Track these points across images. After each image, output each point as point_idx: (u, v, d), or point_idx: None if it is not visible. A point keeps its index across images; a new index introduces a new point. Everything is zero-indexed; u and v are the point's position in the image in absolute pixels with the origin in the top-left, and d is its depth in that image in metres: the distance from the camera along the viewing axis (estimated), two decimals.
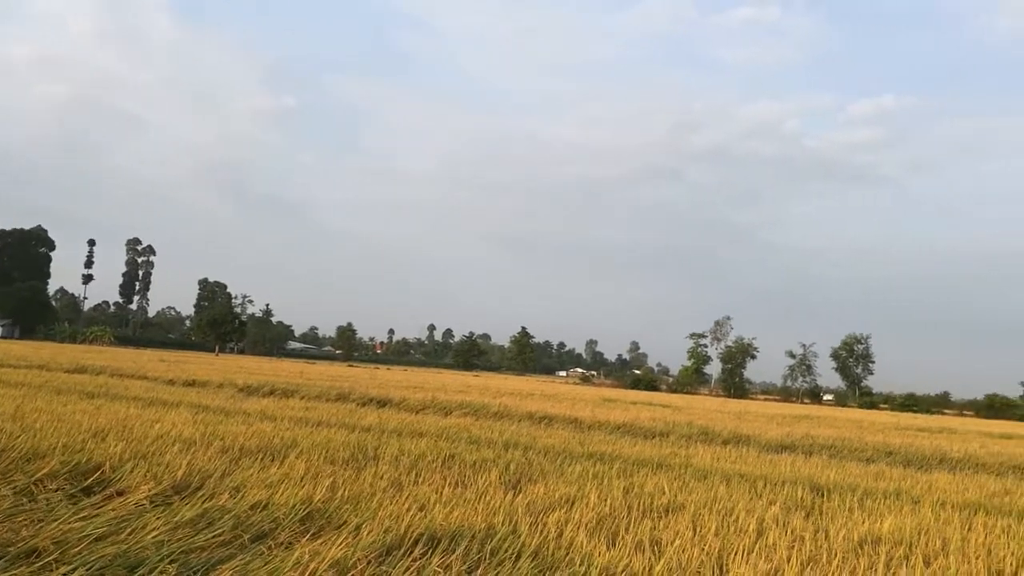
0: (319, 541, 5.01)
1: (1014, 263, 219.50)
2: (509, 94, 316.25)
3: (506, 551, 5.27)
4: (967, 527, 7.91)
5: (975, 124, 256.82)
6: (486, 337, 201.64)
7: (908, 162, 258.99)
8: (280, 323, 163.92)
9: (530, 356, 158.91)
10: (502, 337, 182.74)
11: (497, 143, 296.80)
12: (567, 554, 5.37)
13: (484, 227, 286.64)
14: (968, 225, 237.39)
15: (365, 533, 5.21)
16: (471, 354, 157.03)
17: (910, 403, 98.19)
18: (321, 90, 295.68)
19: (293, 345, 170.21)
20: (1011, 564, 6.38)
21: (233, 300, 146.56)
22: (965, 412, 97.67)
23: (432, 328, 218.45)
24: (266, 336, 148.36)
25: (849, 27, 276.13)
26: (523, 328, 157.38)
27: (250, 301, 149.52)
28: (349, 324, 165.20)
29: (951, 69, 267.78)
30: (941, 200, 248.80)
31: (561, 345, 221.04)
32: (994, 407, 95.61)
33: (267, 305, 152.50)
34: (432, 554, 5.02)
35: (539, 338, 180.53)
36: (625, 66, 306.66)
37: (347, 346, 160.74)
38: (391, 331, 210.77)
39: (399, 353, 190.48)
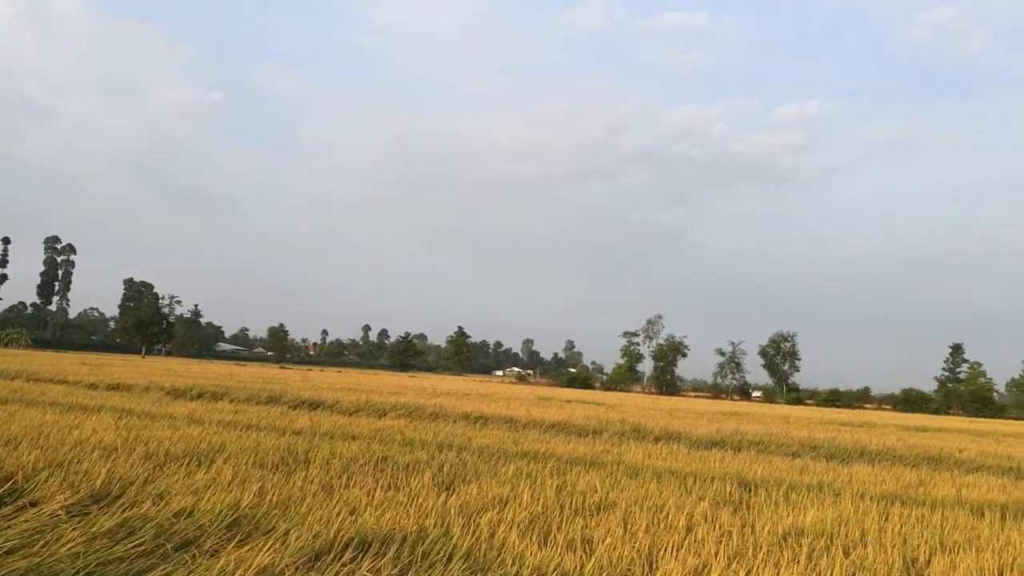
0: (246, 548, 4.89)
1: (929, 264, 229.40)
2: (446, 90, 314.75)
3: (438, 553, 5.25)
4: (884, 517, 8.23)
5: (892, 130, 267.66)
6: (422, 337, 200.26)
7: (828, 165, 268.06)
8: (209, 324, 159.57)
9: (467, 356, 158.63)
10: (439, 337, 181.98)
11: (434, 140, 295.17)
12: (499, 555, 5.38)
13: (421, 225, 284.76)
14: (885, 227, 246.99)
15: (294, 539, 5.12)
16: (407, 354, 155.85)
17: (834, 399, 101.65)
18: (252, 84, 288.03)
19: (223, 347, 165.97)
20: (924, 552, 6.67)
21: (160, 301, 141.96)
22: (884, 406, 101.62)
23: (367, 329, 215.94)
24: (195, 337, 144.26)
25: (775, 33, 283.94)
26: (460, 328, 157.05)
27: (178, 301, 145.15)
28: (281, 325, 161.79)
29: (871, 77, 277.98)
30: (859, 202, 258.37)
31: (498, 344, 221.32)
32: (910, 401, 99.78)
33: (196, 306, 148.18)
34: (362, 558, 4.96)
35: (476, 338, 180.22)
36: (558, 66, 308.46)
37: (279, 347, 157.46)
38: (324, 332, 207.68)
39: (333, 354, 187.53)
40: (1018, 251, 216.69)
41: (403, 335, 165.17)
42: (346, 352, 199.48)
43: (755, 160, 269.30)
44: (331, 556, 4.94)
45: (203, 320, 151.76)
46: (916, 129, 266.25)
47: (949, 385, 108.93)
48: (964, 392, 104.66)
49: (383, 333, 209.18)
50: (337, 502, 6.63)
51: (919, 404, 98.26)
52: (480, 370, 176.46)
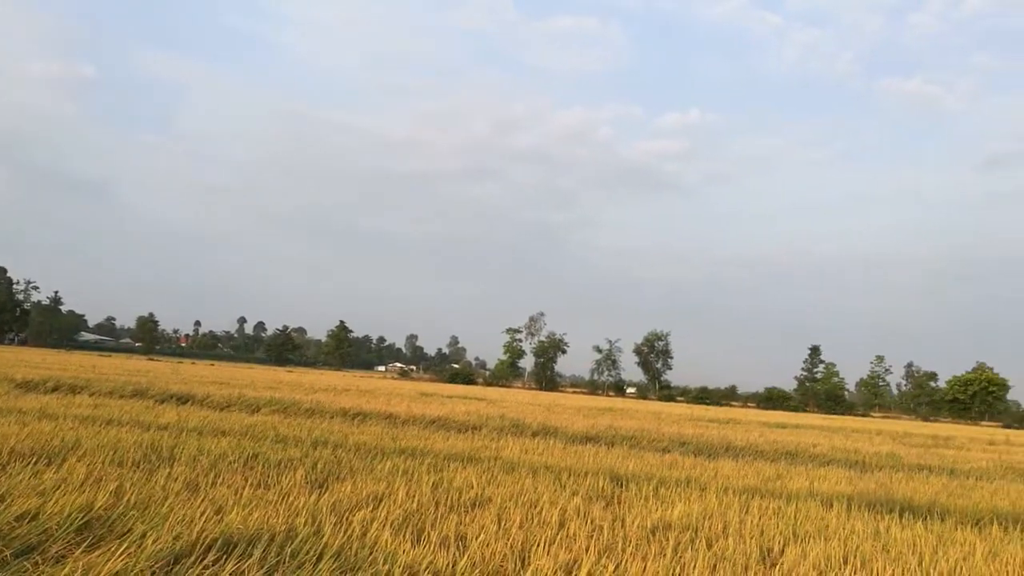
0: (97, 552, 4.60)
1: (793, 268, 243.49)
2: (334, 83, 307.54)
3: (307, 553, 5.11)
4: (745, 510, 8.66)
5: (765, 143, 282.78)
6: (301, 331, 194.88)
7: (706, 173, 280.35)
8: (71, 312, 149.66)
9: (348, 351, 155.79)
10: (319, 331, 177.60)
11: (319, 132, 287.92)
12: (371, 553, 5.30)
13: (304, 218, 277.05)
14: (756, 234, 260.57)
15: (151, 541, 4.85)
16: (285, 348, 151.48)
17: (703, 396, 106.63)
18: (132, 64, 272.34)
19: (86, 337, 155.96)
20: (779, 542, 7.06)
21: (14, 285, 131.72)
22: (749, 404, 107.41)
23: (243, 321, 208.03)
24: (54, 326, 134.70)
25: (660, 42, 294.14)
26: (341, 322, 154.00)
27: (35, 287, 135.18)
28: (151, 315, 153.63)
29: (747, 91, 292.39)
30: (734, 210, 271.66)
31: (381, 340, 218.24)
32: (772, 399, 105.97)
33: (56, 292, 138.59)
34: (226, 560, 4.76)
35: (358, 332, 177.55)
36: (449, 64, 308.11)
37: (148, 338, 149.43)
38: (197, 323, 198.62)
39: (206, 347, 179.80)
40: (871, 260, 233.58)
41: (281, 328, 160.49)
42: (220, 345, 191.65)
43: (639, 165, 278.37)
44: (192, 559, 4.72)
45: (64, 308, 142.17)
46: (786, 143, 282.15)
47: (807, 384, 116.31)
48: (820, 391, 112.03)
49: (260, 326, 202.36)
50: (202, 501, 6.34)
51: (780, 402, 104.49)
52: (362, 365, 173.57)
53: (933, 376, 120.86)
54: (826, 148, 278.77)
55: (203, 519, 5.56)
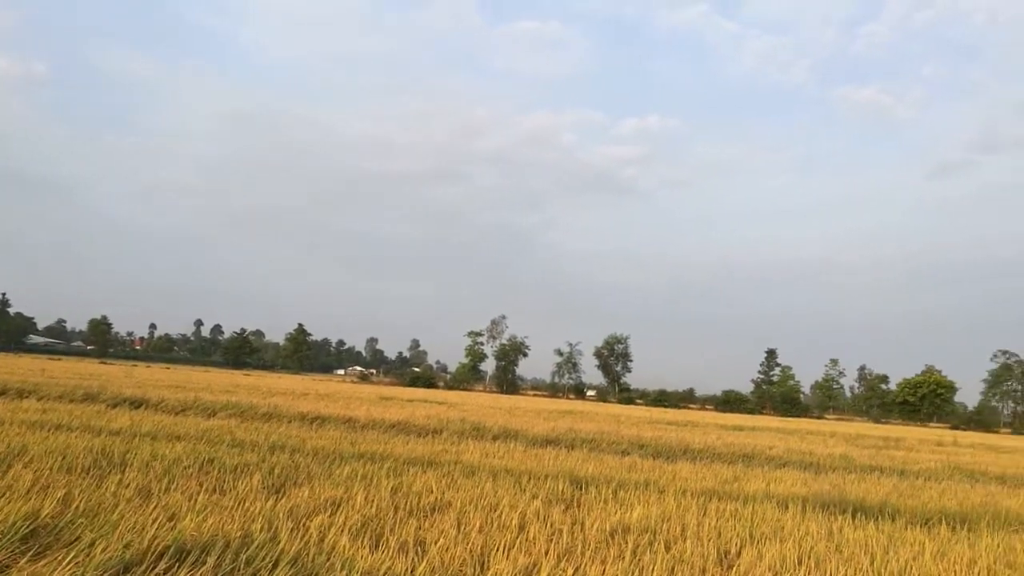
0: (43, 562, 4.47)
1: (751, 273, 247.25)
2: (298, 82, 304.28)
3: (263, 560, 5.02)
4: (703, 512, 8.75)
5: (722, 149, 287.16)
6: (259, 334, 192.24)
7: (665, 179, 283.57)
8: (19, 314, 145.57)
9: (307, 354, 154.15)
10: (277, 334, 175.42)
11: (281, 130, 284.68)
12: (328, 559, 5.23)
13: (263, 218, 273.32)
14: (714, 239, 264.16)
15: (100, 550, 4.72)
16: (242, 352, 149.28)
17: (662, 399, 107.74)
18: (88, 61, 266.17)
19: (35, 339, 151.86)
20: (736, 544, 7.15)
21: None
22: (706, 406, 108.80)
23: (199, 323, 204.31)
24: (0, 329, 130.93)
25: (622, 49, 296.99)
26: (300, 325, 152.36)
27: None
28: (104, 317, 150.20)
29: (705, 98, 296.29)
30: (692, 215, 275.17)
31: (340, 343, 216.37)
32: (729, 402, 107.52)
33: (3, 294, 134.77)
34: (179, 568, 4.67)
35: (317, 335, 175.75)
36: (414, 66, 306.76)
37: (101, 341, 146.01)
38: (153, 326, 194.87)
39: (162, 350, 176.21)
40: (827, 264, 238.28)
41: (239, 331, 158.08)
42: (176, 348, 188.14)
43: (601, 170, 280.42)
44: (143, 567, 4.61)
45: (11, 310, 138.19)
46: (744, 150, 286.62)
47: (763, 387, 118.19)
48: (776, 393, 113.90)
49: (217, 329, 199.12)
50: (155, 508, 6.20)
51: (737, 404, 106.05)
52: (321, 369, 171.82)
53: (885, 379, 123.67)
54: (783, 154, 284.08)
55: (155, 526, 5.44)
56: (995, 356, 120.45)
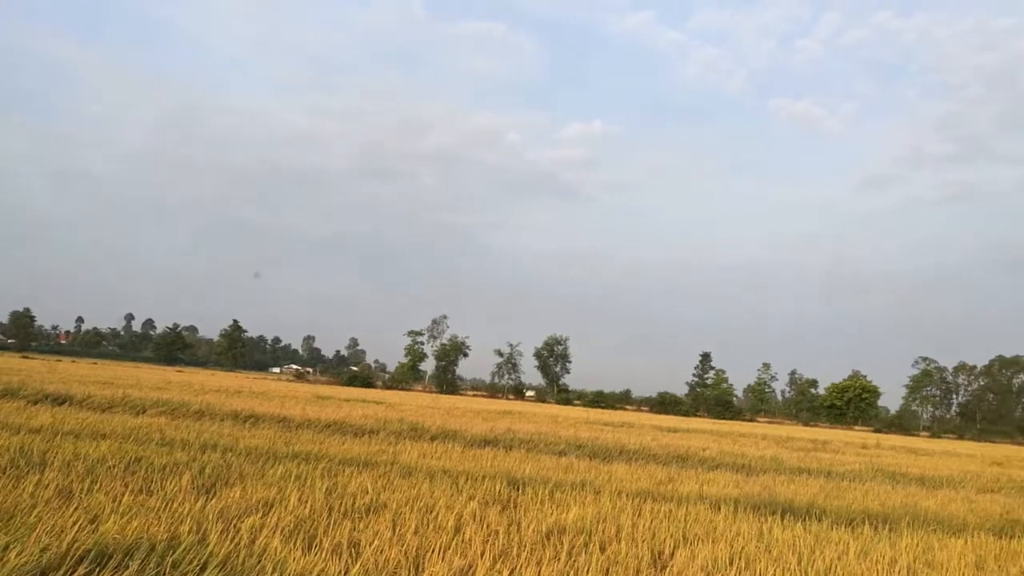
0: None
1: (689, 277, 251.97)
2: (231, 73, 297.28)
3: (190, 563, 4.88)
4: (638, 513, 8.84)
5: (664, 155, 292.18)
6: (193, 330, 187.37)
7: (608, 183, 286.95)
8: None
9: (242, 351, 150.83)
10: (211, 330, 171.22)
11: (214, 122, 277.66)
12: (259, 562, 5.11)
13: (197, 211, 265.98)
14: (655, 243, 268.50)
15: (15, 554, 4.51)
16: (175, 348, 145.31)
17: (599, 400, 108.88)
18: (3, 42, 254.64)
19: None
20: (670, 545, 7.25)
21: None
22: (642, 408, 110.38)
23: (130, 318, 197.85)
24: None
25: (568, 53, 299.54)
26: (235, 321, 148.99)
27: None
28: (26, 310, 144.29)
29: (648, 104, 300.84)
30: (634, 219, 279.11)
31: (276, 340, 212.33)
32: (665, 403, 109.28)
33: None
34: (99, 572, 4.49)
35: (253, 332, 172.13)
36: (358, 62, 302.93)
37: (23, 335, 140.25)
38: (80, 320, 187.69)
39: (89, 344, 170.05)
40: (762, 270, 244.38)
41: (171, 326, 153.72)
42: (105, 343, 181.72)
43: (545, 172, 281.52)
44: (60, 572, 4.43)
45: None
46: (685, 157, 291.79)
47: (698, 390, 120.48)
48: (710, 396, 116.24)
49: (148, 323, 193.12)
50: (76, 510, 5.96)
51: (672, 406, 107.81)
52: (256, 367, 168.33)
53: (814, 383, 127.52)
54: (723, 161, 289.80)
55: (75, 529, 5.23)
56: (916, 362, 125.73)
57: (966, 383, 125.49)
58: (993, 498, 15.49)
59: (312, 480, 8.85)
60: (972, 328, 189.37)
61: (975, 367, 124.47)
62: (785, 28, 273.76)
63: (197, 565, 4.86)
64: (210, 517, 6.21)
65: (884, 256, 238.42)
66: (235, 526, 6.04)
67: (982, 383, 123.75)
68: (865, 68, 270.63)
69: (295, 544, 5.71)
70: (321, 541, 5.91)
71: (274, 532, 5.96)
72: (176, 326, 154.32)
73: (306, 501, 7.43)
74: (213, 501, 6.97)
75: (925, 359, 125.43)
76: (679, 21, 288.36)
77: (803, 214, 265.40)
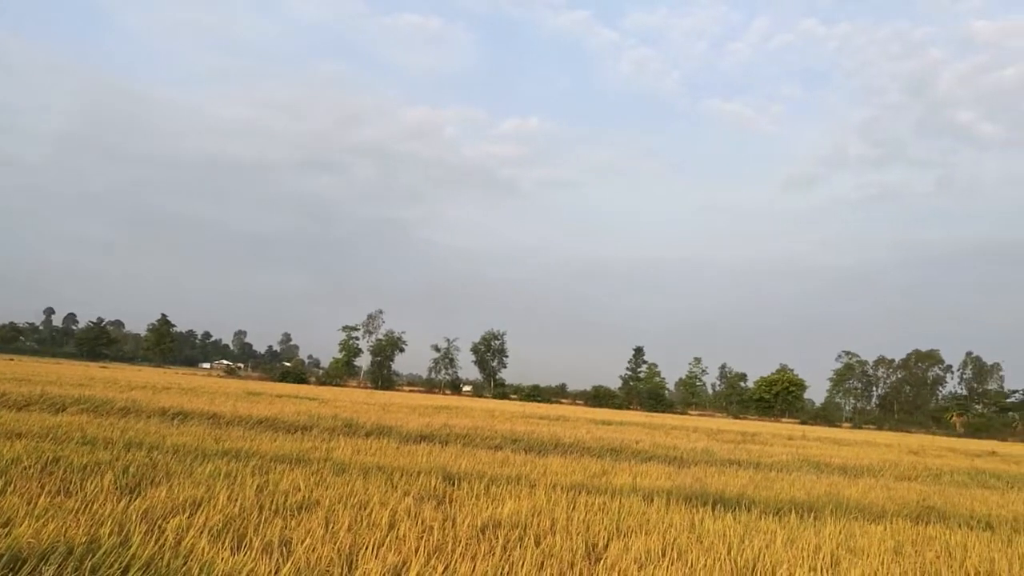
0: None
1: (624, 272, 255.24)
2: (163, 60, 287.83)
3: (111, 566, 4.69)
4: (572, 506, 8.91)
5: (600, 152, 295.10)
6: (119, 324, 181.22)
7: (544, 179, 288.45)
8: None
9: (170, 346, 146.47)
10: (138, 325, 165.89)
11: (143, 110, 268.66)
12: (185, 563, 4.96)
13: (123, 203, 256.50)
14: (591, 239, 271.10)
15: None
16: (99, 343, 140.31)
17: (535, 394, 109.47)
18: None
19: None
20: (604, 537, 7.32)
21: None
22: (577, 401, 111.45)
23: (50, 312, 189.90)
24: None
25: (505, 49, 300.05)
26: (163, 315, 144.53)
27: None
28: None
29: (584, 102, 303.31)
30: (568, 214, 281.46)
31: (207, 335, 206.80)
32: (599, 397, 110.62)
33: None
34: None
35: (182, 327, 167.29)
36: (291, 53, 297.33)
37: None
38: None
39: (5, 340, 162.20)
40: (693, 266, 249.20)
41: (95, 321, 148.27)
42: (22, 338, 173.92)
43: (482, 167, 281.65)
44: None
45: None
46: (620, 154, 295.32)
47: (631, 383, 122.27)
48: (643, 390, 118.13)
49: (71, 318, 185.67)
50: None
51: (606, 400, 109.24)
52: (185, 362, 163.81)
53: (743, 377, 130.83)
54: (656, 160, 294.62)
55: None
56: (839, 356, 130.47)
57: (885, 376, 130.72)
58: (910, 486, 16.16)
59: (242, 478, 8.64)
60: (891, 323, 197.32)
61: (893, 360, 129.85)
62: (717, 31, 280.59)
63: (118, 568, 4.68)
64: (133, 518, 6.00)
65: (810, 253, 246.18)
66: (160, 527, 5.85)
67: (900, 376, 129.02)
68: (793, 72, 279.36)
69: (224, 544, 5.56)
70: (251, 540, 5.77)
71: (202, 532, 5.78)
72: (100, 320, 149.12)
73: (236, 499, 7.25)
74: (137, 501, 6.73)
75: (848, 353, 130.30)
76: (614, 20, 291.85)
77: (733, 212, 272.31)
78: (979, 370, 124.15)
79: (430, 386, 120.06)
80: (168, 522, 5.99)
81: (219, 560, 5.09)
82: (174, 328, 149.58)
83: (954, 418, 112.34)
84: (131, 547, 5.06)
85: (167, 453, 10.35)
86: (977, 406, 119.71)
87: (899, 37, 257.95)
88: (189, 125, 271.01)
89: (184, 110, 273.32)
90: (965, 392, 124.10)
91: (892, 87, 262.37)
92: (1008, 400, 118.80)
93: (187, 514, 6.40)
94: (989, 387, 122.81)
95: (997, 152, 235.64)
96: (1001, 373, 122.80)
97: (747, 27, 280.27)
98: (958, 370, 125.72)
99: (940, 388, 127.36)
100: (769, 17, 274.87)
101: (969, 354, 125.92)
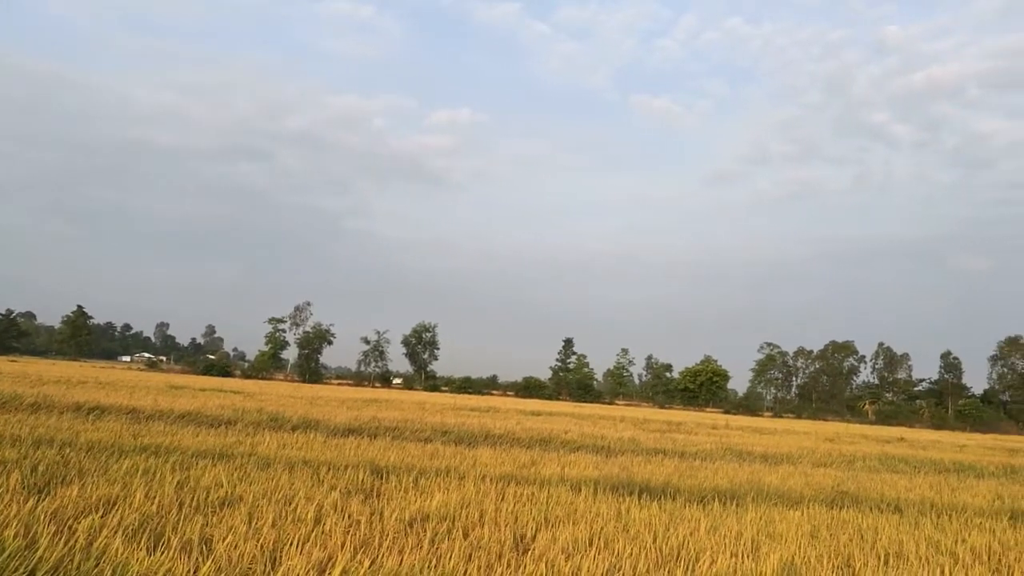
0: None
1: (553, 264, 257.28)
2: (76, 40, 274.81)
3: (16, 570, 4.47)
4: (501, 497, 8.93)
5: (531, 145, 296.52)
6: (30, 316, 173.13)
7: (475, 170, 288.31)
8: None
9: (87, 339, 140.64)
10: (52, 317, 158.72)
11: (54, 92, 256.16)
12: (97, 565, 4.76)
13: (32, 189, 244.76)
14: (522, 231, 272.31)
15: None
16: (8, 335, 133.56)
17: (466, 385, 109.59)
18: None
19: None
20: (532, 528, 7.36)
21: None
22: (508, 393, 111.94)
23: None
24: None
25: (436, 39, 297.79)
26: (79, 307, 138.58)
27: None
28: None
29: (516, 94, 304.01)
30: (500, 207, 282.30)
31: (127, 327, 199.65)
32: (529, 388, 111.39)
33: None
34: None
35: (99, 319, 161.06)
36: (214, 36, 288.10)
37: None
38: None
39: None
40: (621, 259, 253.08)
41: (4, 312, 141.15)
42: None
43: (412, 158, 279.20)
44: None
45: None
46: (550, 148, 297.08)
47: (561, 374, 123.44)
48: (572, 380, 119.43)
49: None
50: None
51: (536, 390, 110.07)
52: (103, 355, 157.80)
53: (669, 367, 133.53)
54: (586, 154, 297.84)
55: None
56: (761, 347, 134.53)
57: (804, 366, 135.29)
58: (826, 472, 16.79)
59: (162, 474, 8.36)
60: (810, 315, 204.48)
61: (812, 352, 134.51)
62: (646, 27, 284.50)
63: (24, 572, 4.47)
64: (41, 519, 5.72)
65: (733, 247, 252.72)
66: (71, 527, 5.60)
67: (818, 366, 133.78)
68: (718, 70, 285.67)
69: (139, 544, 5.36)
70: (169, 539, 5.58)
71: (116, 532, 5.57)
72: (10, 312, 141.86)
73: (154, 497, 7.01)
74: (46, 501, 6.43)
75: (769, 344, 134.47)
76: (545, 14, 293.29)
77: (661, 206, 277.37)
78: (890, 360, 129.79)
79: (359, 379, 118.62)
80: (79, 522, 5.75)
81: (134, 561, 4.90)
82: (91, 320, 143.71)
83: (867, 406, 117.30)
84: (38, 549, 4.83)
85: (80, 450, 9.93)
86: (888, 394, 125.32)
87: (818, 39, 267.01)
88: (105, 109, 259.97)
89: (101, 93, 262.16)
90: (877, 381, 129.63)
91: (812, 87, 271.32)
92: (916, 389, 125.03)
93: (100, 513, 6.14)
94: (899, 376, 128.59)
95: (908, 152, 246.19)
96: (910, 363, 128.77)
97: (675, 24, 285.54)
98: (871, 360, 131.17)
99: (854, 378, 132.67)
100: (696, 15, 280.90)
101: (881, 345, 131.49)
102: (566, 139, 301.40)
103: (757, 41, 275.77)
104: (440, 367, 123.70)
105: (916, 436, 49.57)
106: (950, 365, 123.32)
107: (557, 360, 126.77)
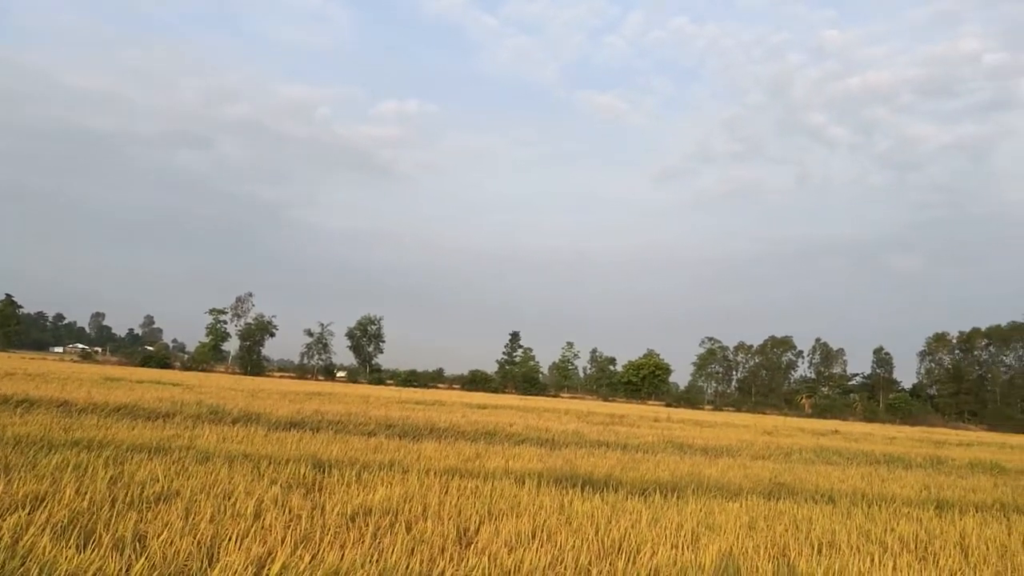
0: None
1: (500, 258, 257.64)
2: (12, 19, 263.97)
3: None
4: (445, 491, 8.91)
5: (479, 138, 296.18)
6: None
7: (422, 162, 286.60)
8: None
9: (16, 329, 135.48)
10: None
11: None
12: (23, 564, 4.60)
13: None
14: (470, 224, 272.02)
15: None
16: None
17: (412, 379, 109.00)
18: None
19: None
20: (475, 521, 7.36)
21: None
22: (454, 386, 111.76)
23: None
24: None
25: (384, 30, 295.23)
26: (8, 296, 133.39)
27: None
28: None
29: (464, 87, 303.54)
30: (447, 199, 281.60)
31: (59, 317, 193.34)
32: (475, 381, 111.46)
33: None
34: None
35: (29, 308, 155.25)
36: (156, 21, 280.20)
37: None
38: None
39: None
40: (567, 254, 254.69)
41: None
42: None
43: (359, 148, 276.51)
44: None
45: None
46: (498, 141, 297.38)
47: (507, 367, 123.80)
48: (518, 373, 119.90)
49: None
50: None
51: (483, 383, 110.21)
52: (33, 346, 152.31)
53: (612, 361, 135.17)
54: (533, 149, 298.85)
55: None
56: (703, 342, 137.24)
57: (744, 361, 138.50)
58: (764, 464, 17.19)
59: (94, 469, 8.11)
60: (750, 311, 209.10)
61: (752, 346, 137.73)
62: (594, 23, 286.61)
63: None
64: None
65: (677, 244, 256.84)
66: None
67: (757, 361, 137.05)
68: (664, 68, 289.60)
69: (69, 541, 5.19)
70: (101, 536, 5.42)
71: (44, 529, 5.38)
72: None
73: (85, 493, 6.80)
74: None
75: (710, 339, 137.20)
76: (494, 7, 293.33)
77: (607, 201, 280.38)
78: (826, 355, 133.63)
79: (302, 372, 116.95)
80: (4, 520, 5.54)
81: (63, 559, 4.75)
82: (21, 309, 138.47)
83: (803, 400, 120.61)
84: None
85: (7, 445, 9.57)
86: (824, 388, 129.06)
87: (762, 41, 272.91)
88: (37, 90, 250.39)
89: (33, 74, 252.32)
90: (814, 376, 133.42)
91: (755, 87, 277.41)
92: (850, 383, 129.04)
93: (27, 510, 5.93)
94: (834, 371, 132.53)
95: (845, 154, 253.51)
96: (844, 358, 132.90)
97: (623, 21, 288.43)
98: (808, 355, 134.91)
99: (792, 372, 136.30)
100: (643, 13, 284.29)
101: (818, 340, 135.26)
102: (516, 133, 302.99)
103: (702, 41, 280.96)
104: (386, 360, 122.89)
105: (849, 429, 51.12)
106: (882, 360, 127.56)
107: (504, 353, 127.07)
